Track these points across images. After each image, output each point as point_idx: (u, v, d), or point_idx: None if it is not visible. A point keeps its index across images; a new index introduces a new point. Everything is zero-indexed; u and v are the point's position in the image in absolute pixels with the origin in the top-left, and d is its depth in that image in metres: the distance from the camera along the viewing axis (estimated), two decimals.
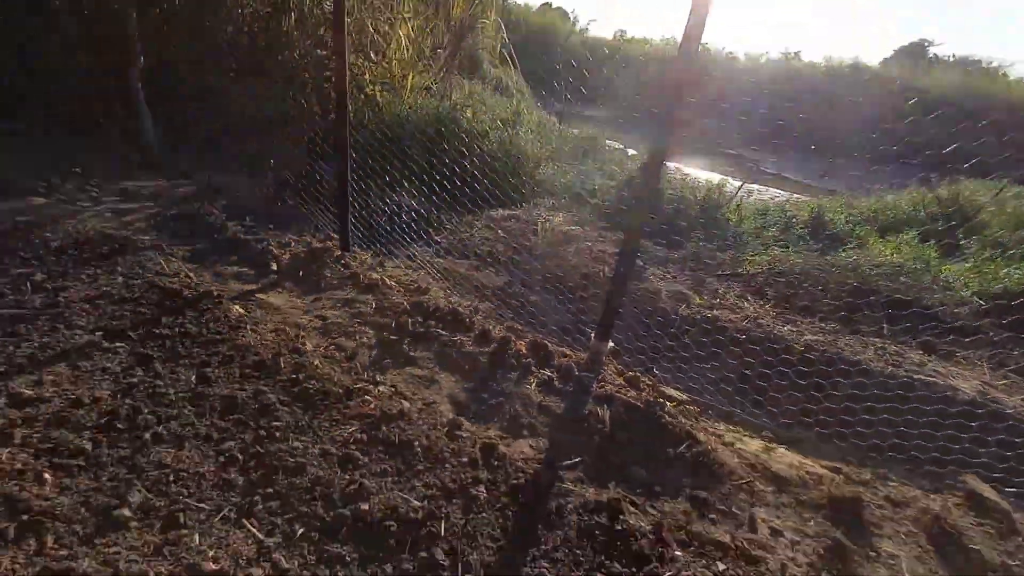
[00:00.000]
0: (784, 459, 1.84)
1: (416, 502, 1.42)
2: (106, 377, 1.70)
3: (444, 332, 2.36)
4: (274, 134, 4.06)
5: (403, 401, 1.86)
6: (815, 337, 2.66)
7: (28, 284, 2.09)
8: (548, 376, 2.14)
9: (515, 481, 1.55)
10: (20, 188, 2.99)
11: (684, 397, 2.19)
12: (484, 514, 1.43)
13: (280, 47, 4.37)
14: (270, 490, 1.40)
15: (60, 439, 1.43)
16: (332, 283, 2.70)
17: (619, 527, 1.44)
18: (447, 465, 1.58)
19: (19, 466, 1.33)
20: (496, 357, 2.24)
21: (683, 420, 1.93)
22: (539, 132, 5.71)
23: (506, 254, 3.32)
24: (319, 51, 4.52)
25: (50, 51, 3.98)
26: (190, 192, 3.51)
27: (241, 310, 2.25)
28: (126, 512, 1.26)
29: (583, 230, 3.79)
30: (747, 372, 2.48)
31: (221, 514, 1.31)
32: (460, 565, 1.27)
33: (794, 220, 4.31)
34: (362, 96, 4.70)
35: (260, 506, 1.35)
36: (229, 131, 4.20)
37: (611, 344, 2.30)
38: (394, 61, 4.97)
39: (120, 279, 2.24)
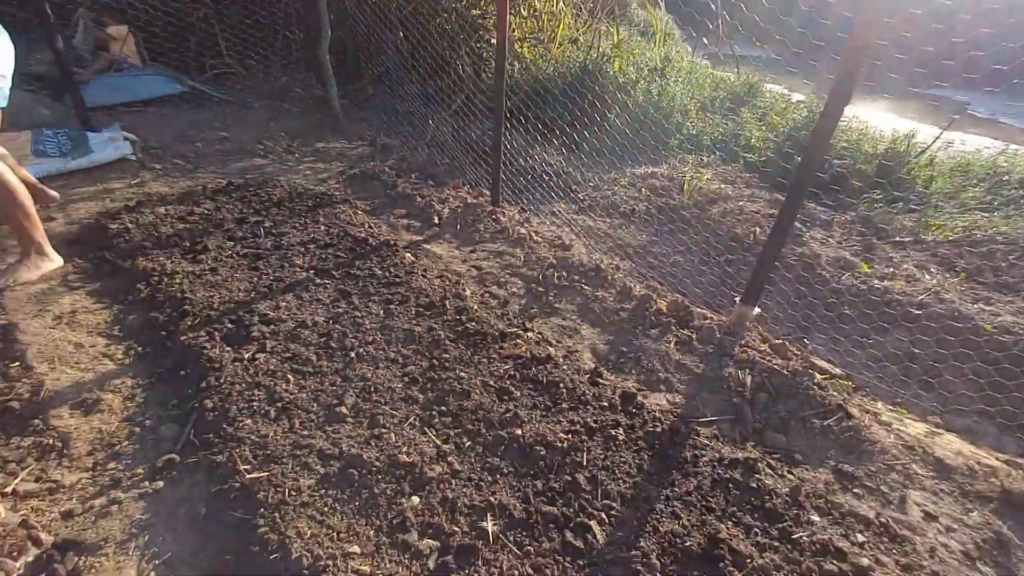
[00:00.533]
0: (951, 446, 1.70)
1: (562, 434, 1.62)
2: (320, 306, 2.14)
3: (587, 287, 2.51)
4: (433, 97, 4.39)
5: (549, 347, 2.07)
6: (1014, 319, 2.30)
7: (261, 230, 2.65)
8: (687, 336, 2.18)
9: (651, 428, 1.68)
10: (246, 150, 3.70)
11: (838, 371, 2.08)
12: (622, 453, 1.59)
13: (440, 11, 4.63)
14: (443, 408, 1.70)
15: (295, 351, 1.88)
16: (485, 236, 2.97)
17: (753, 484, 1.50)
18: (589, 407, 1.75)
19: (272, 367, 1.78)
20: (636, 313, 2.33)
21: (834, 393, 1.86)
22: (690, 80, 5.36)
23: (649, 212, 3.31)
24: (473, 12, 4.70)
25: (259, 30, 4.72)
26: (366, 152, 4.02)
27: (412, 257, 2.61)
28: (343, 410, 1.64)
29: (734, 188, 3.59)
30: (918, 351, 2.25)
31: (408, 421, 1.64)
32: (600, 491, 1.45)
33: (1007, 178, 3.59)
34: (512, 52, 4.83)
35: (437, 420, 1.65)
36: (397, 95, 4.64)
37: (758, 310, 2.25)
38: (543, 15, 4.99)
39: (322, 227, 2.73)
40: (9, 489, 1.38)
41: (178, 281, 2.18)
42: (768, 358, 2.03)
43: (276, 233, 2.63)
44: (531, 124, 3.66)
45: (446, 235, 2.98)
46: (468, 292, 2.37)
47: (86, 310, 2.07)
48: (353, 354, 1.88)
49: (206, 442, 1.53)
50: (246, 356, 1.82)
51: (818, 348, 2.25)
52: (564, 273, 2.60)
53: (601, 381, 1.89)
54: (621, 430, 1.67)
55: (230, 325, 1.97)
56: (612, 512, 1.41)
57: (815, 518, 1.42)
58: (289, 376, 1.76)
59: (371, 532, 1.30)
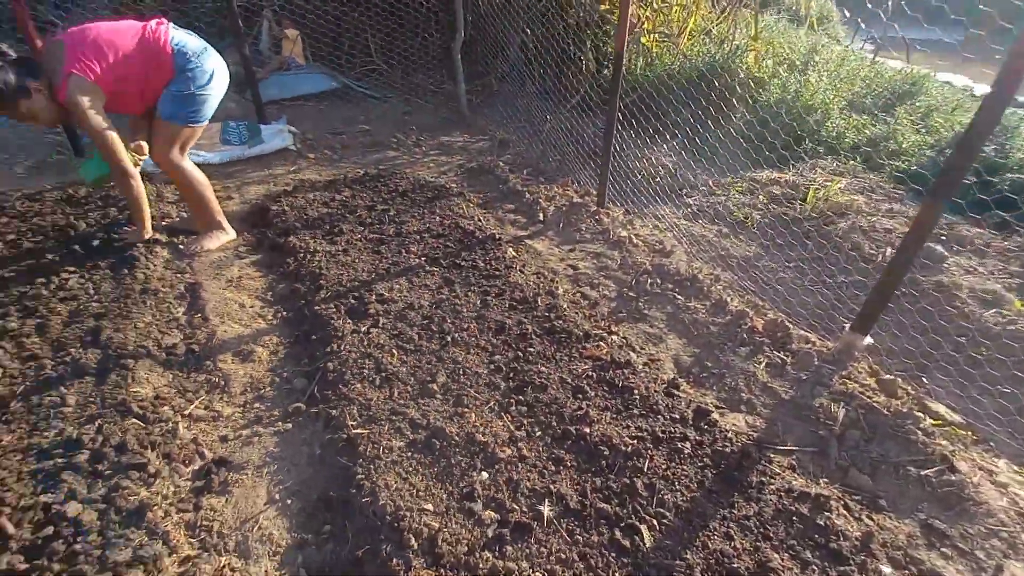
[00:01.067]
0: None
1: (628, 438, 1.70)
2: (426, 291, 2.41)
3: (680, 296, 2.50)
4: (553, 93, 4.51)
5: (631, 352, 2.12)
6: None
7: (386, 217, 3.00)
8: (781, 359, 2.10)
9: (720, 447, 1.68)
10: (382, 143, 4.15)
11: (956, 419, 1.87)
12: (685, 467, 1.62)
13: (568, 7, 4.70)
14: (521, 398, 1.86)
15: (401, 329, 2.15)
16: (585, 236, 3.05)
17: (821, 522, 1.46)
18: (660, 416, 1.80)
19: (382, 341, 2.07)
20: (728, 329, 2.29)
21: (942, 442, 1.70)
22: (838, 73, 4.85)
23: (763, 222, 3.14)
24: (601, 7, 4.70)
25: (402, 31, 5.18)
26: (485, 147, 4.27)
27: (513, 252, 2.79)
28: (435, 387, 1.88)
29: (870, 201, 3.25)
30: None
31: (488, 405, 1.82)
32: (655, 498, 1.52)
33: None
34: (636, 47, 4.76)
35: (514, 408, 1.82)
36: (519, 91, 4.83)
37: (869, 340, 2.09)
38: (674, 7, 4.83)
39: (437, 218, 3.02)
40: (187, 412, 1.81)
41: (317, 259, 2.58)
42: (870, 394, 1.89)
43: (398, 221, 2.96)
44: (648, 122, 3.62)
45: (549, 232, 3.11)
46: (561, 291, 2.49)
47: (249, 277, 2.55)
48: (449, 338, 2.11)
49: (325, 397, 1.85)
50: (362, 329, 2.13)
51: (937, 390, 2.02)
52: (658, 280, 2.60)
53: (677, 393, 1.91)
54: (688, 444, 1.70)
55: (353, 301, 2.30)
56: (664, 520, 1.46)
57: (885, 569, 1.35)
58: (394, 351, 2.04)
59: (443, 495, 1.51)
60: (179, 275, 2.45)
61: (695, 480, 1.58)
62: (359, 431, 1.69)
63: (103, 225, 2.71)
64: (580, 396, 1.87)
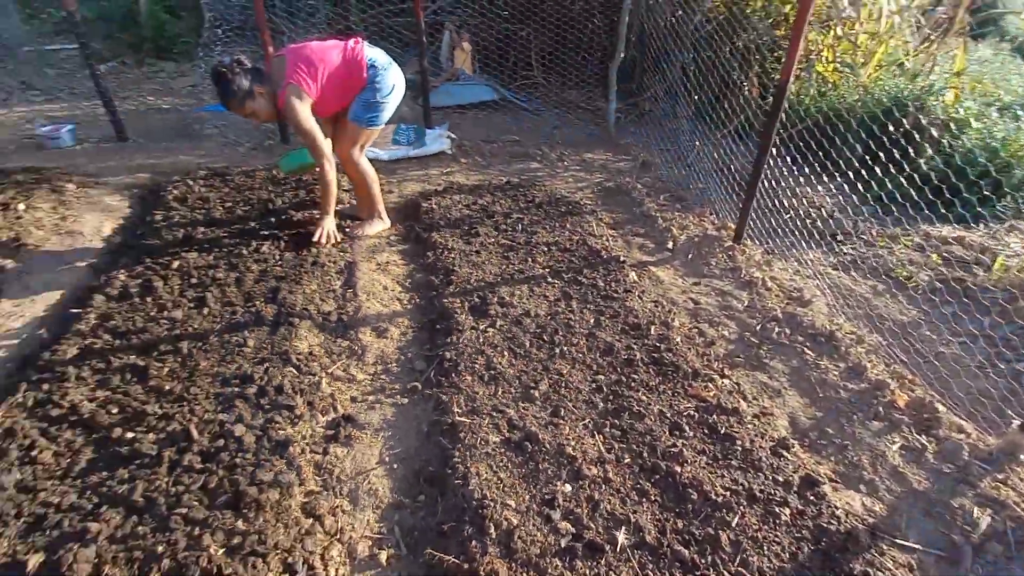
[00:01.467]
0: None
1: (720, 488, 1.65)
2: (544, 302, 2.53)
3: (810, 351, 2.32)
4: (708, 117, 4.38)
5: (741, 401, 2.03)
6: None
7: (519, 225, 3.19)
8: (921, 444, 1.86)
9: (825, 524, 1.56)
10: (528, 154, 4.38)
11: None
12: (779, 533, 1.53)
13: (740, 31, 4.52)
14: (616, 421, 1.89)
15: (515, 333, 2.30)
16: (714, 271, 2.95)
17: None
18: (760, 475, 1.71)
19: (496, 342, 2.24)
20: (862, 398, 2.08)
21: None
22: None
23: (929, 285, 2.75)
24: (776, 32, 4.45)
25: (564, 49, 5.40)
26: (626, 167, 4.29)
27: (635, 277, 2.80)
28: (536, 393, 1.99)
29: None
30: None
31: (583, 421, 1.88)
32: (739, 557, 1.46)
33: None
34: (808, 76, 4.42)
35: (607, 429, 1.86)
36: (672, 113, 4.77)
37: None
38: (862, 35, 4.39)
39: (567, 233, 3.13)
40: (330, 371, 2.13)
41: (453, 256, 2.85)
42: None
43: (530, 231, 3.13)
44: (810, 157, 3.35)
45: (675, 262, 3.06)
46: (676, 323, 2.45)
47: (394, 264, 2.90)
48: (557, 350, 2.21)
49: (439, 382, 2.06)
50: (481, 327, 2.32)
51: None
52: (787, 330, 2.43)
53: (786, 454, 1.80)
54: (788, 510, 1.60)
55: (477, 299, 2.51)
56: None
57: None
58: (505, 353, 2.19)
59: (526, 496, 1.61)
60: (341, 253, 2.87)
61: (788, 550, 1.49)
62: (462, 419, 1.86)
63: (294, 203, 3.26)
64: (677, 433, 1.85)
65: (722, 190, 3.69)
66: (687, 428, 1.87)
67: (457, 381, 2.03)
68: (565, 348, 2.22)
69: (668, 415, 1.92)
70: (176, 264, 2.58)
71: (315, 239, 2.82)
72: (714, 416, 1.92)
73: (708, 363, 2.22)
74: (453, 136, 4.34)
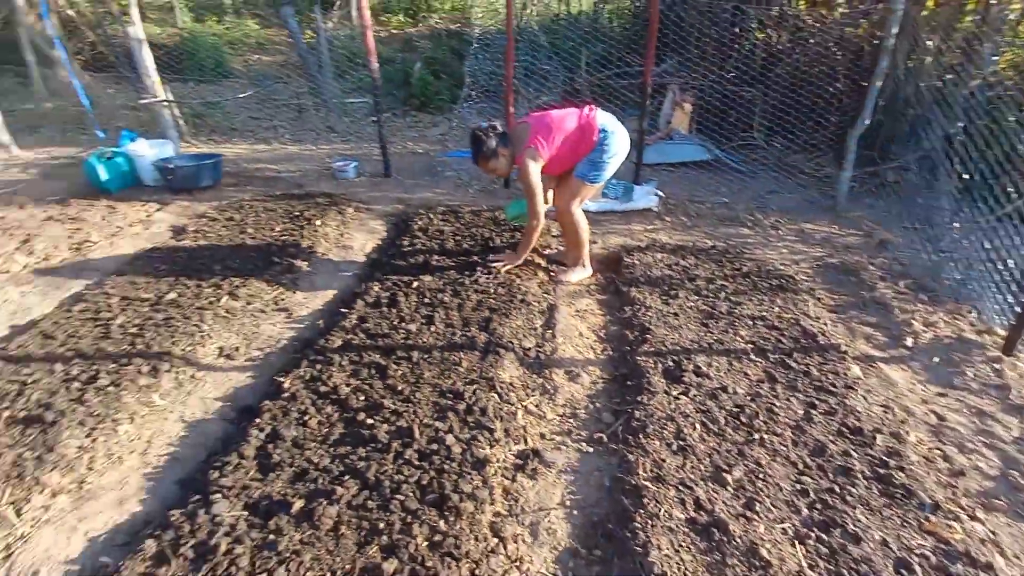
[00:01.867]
0: None
1: None
2: (744, 379, 2.38)
3: None
4: (977, 192, 3.68)
5: (997, 555, 1.64)
6: None
7: (722, 293, 3.06)
8: None
9: None
10: (737, 218, 4.20)
11: None
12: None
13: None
14: (823, 536, 1.67)
15: (709, 407, 2.21)
16: (970, 384, 2.44)
17: None
18: None
19: (688, 412, 2.18)
20: None
21: None
22: None
23: None
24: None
25: (797, 111, 5.08)
26: (855, 244, 3.82)
27: (859, 372, 2.46)
28: (729, 477, 1.87)
29: None
30: None
31: (782, 525, 1.71)
32: None
33: None
34: None
35: (812, 543, 1.65)
36: (924, 186, 4.12)
37: None
38: None
39: (776, 309, 2.91)
40: (525, 404, 2.31)
41: (650, 314, 2.86)
42: None
43: (733, 301, 2.99)
44: None
45: (914, 363, 2.61)
46: (912, 439, 2.08)
47: (592, 312, 3.03)
48: (756, 436, 2.06)
49: (626, 440, 2.08)
50: (673, 393, 2.29)
51: None
52: None
53: None
54: None
55: (671, 363, 2.48)
56: None
57: None
58: (697, 425, 2.12)
59: None
60: (545, 295, 3.10)
61: None
62: (647, 483, 1.85)
63: (511, 243, 3.65)
64: (903, 573, 1.57)
65: (990, 285, 3.05)
66: (919, 571, 1.56)
67: (644, 443, 2.02)
68: (766, 436, 2.06)
69: (893, 547, 1.64)
70: (415, 284, 3.08)
71: (494, 262, 3.18)
72: (957, 566, 1.58)
73: (954, 497, 1.84)
74: (660, 194, 4.39)
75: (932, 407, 2.31)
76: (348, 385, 2.30)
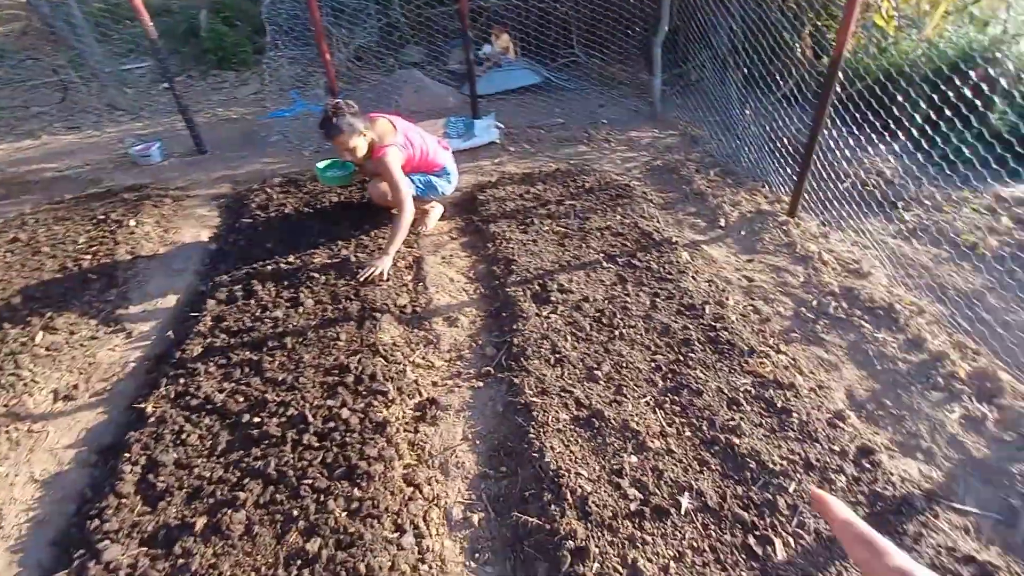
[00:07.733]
0: None
1: (777, 458, 1.78)
2: (601, 287, 2.68)
3: (868, 324, 2.37)
4: (758, 83, 4.29)
5: (797, 375, 2.13)
6: None
7: (572, 212, 3.32)
8: (981, 413, 1.91)
9: (880, 489, 1.67)
10: (575, 137, 4.46)
11: None
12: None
13: None
14: (676, 398, 2.04)
15: (576, 318, 2.47)
16: (768, 247, 2.99)
17: None
18: (816, 445, 1.83)
19: (558, 327, 2.42)
20: (921, 369, 2.13)
21: None
22: None
23: (998, 250, 2.69)
24: None
25: (605, 24, 5.35)
26: (674, 143, 4.30)
27: (687, 257, 2.89)
28: (599, 374, 2.16)
29: None
30: None
31: (645, 399, 2.05)
32: (796, 519, 1.61)
33: None
34: (868, 32, 4.23)
35: (668, 405, 2.02)
36: (719, 80, 4.69)
37: None
38: None
39: (618, 217, 3.24)
40: (412, 359, 2.39)
41: (511, 246, 3.03)
42: None
43: (582, 217, 3.26)
44: (869, 118, 3.26)
45: (728, 239, 3.11)
46: (731, 301, 2.54)
47: (458, 256, 3.12)
48: (617, 333, 2.37)
49: (510, 366, 2.28)
50: (544, 313, 2.51)
51: None
52: (844, 304, 2.48)
53: (842, 425, 1.90)
54: (844, 477, 1.72)
55: (537, 287, 2.69)
56: (801, 540, 1.56)
57: None
58: (568, 337, 2.37)
59: (596, 466, 1.81)
60: (409, 249, 3.11)
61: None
62: (534, 399, 2.07)
63: (363, 203, 3.52)
64: (735, 408, 1.99)
65: (775, 162, 3.66)
66: (745, 403, 2.00)
67: (526, 365, 2.23)
68: (624, 330, 2.38)
69: (726, 391, 2.05)
70: (270, 268, 2.89)
71: (363, 276, 2.73)
72: (771, 391, 2.04)
73: (764, 339, 2.32)
74: (501, 126, 4.47)
75: (743, 272, 2.82)
76: (222, 391, 2.17)
